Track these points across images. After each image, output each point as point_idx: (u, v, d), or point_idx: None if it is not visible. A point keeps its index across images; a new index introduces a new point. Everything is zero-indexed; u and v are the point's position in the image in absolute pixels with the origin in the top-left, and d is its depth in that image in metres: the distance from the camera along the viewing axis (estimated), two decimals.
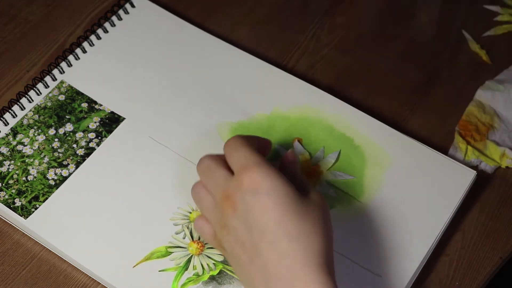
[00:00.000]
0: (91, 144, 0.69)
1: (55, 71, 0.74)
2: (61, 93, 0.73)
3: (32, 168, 0.68)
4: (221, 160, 0.57)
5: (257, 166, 0.54)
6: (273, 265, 0.52)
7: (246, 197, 0.53)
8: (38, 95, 0.72)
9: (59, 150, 0.69)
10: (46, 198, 0.66)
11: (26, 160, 0.68)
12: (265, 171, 0.53)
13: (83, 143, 0.70)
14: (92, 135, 0.70)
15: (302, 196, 0.54)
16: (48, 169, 0.68)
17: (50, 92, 0.73)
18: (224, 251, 0.56)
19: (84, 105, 0.72)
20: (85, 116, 0.71)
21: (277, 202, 0.52)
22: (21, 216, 0.65)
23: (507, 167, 0.72)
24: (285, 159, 0.60)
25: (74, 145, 0.69)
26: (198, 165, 0.58)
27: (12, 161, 0.68)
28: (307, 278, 0.51)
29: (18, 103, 0.71)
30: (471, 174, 0.68)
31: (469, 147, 0.71)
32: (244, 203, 0.53)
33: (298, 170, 0.59)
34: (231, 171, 0.56)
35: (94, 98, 0.72)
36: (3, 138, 0.70)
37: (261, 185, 0.53)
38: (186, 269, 0.63)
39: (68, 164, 0.68)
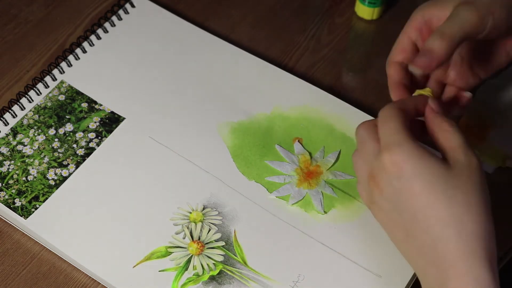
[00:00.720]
0: (91, 144, 0.70)
1: (55, 71, 0.74)
2: (61, 93, 0.73)
3: (32, 168, 0.68)
4: (373, 131, 0.54)
5: (398, 146, 0.51)
6: (428, 249, 0.51)
7: (391, 181, 0.51)
8: (38, 95, 0.72)
9: (59, 150, 0.69)
10: (46, 198, 0.66)
11: (26, 160, 0.68)
12: (406, 152, 0.51)
13: (83, 143, 0.70)
14: (92, 135, 0.70)
15: (450, 169, 0.51)
16: (48, 169, 0.68)
17: (50, 92, 0.73)
18: (374, 211, 0.55)
19: (84, 105, 0.72)
20: (85, 116, 0.71)
21: (423, 185, 0.50)
22: (21, 216, 0.65)
23: (507, 167, 0.72)
24: (428, 113, 0.56)
25: (74, 145, 0.69)
26: (356, 133, 0.56)
27: (12, 161, 0.68)
28: (459, 268, 0.50)
29: (18, 103, 0.71)
30: None
31: None
32: (390, 186, 0.51)
33: (444, 125, 0.54)
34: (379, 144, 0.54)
35: (94, 98, 0.72)
36: (3, 138, 0.70)
37: (404, 168, 0.51)
38: (186, 269, 0.63)
39: (68, 164, 0.68)
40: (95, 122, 0.71)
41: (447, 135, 0.53)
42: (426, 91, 0.60)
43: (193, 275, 0.63)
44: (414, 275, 0.63)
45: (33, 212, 0.65)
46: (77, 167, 0.68)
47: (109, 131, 0.70)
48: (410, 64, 0.60)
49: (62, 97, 0.72)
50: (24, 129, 0.70)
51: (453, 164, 0.52)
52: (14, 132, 0.70)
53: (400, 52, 0.61)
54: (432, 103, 0.55)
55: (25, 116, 0.71)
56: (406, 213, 0.51)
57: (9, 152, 0.69)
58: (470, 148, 0.52)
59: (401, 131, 0.52)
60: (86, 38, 0.76)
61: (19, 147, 0.69)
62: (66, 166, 0.68)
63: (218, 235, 0.65)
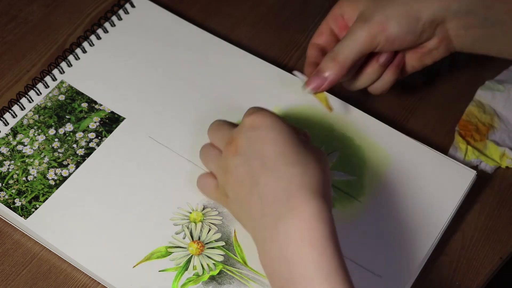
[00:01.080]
0: (91, 144, 0.70)
1: (55, 71, 0.74)
2: (61, 93, 0.73)
3: (32, 168, 0.68)
4: (229, 122, 0.61)
5: (261, 110, 0.57)
6: (269, 188, 0.53)
7: (248, 133, 0.56)
8: (38, 95, 0.72)
9: (59, 150, 0.69)
10: (46, 198, 0.66)
11: (26, 160, 0.68)
12: (267, 112, 0.57)
13: (83, 143, 0.70)
14: (92, 135, 0.70)
15: (303, 140, 0.57)
16: (48, 169, 0.68)
17: (50, 92, 0.73)
18: (227, 199, 0.58)
19: (84, 105, 0.72)
20: (85, 116, 0.71)
21: (278, 135, 0.55)
22: (21, 216, 0.65)
23: (507, 167, 0.72)
24: (300, 133, 0.62)
25: (74, 145, 0.69)
26: (209, 127, 0.62)
27: (12, 161, 0.68)
28: (302, 198, 0.52)
29: (18, 103, 0.71)
30: (471, 174, 0.68)
31: (469, 147, 0.71)
32: (247, 139, 0.56)
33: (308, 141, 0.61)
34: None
35: (94, 98, 0.72)
36: (3, 138, 0.70)
37: (263, 121, 0.56)
38: (186, 269, 0.63)
39: (68, 164, 0.68)
40: (95, 122, 0.71)
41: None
42: (322, 97, 0.68)
43: (193, 275, 0.63)
44: (414, 275, 0.63)
45: (33, 212, 0.65)
46: (77, 167, 0.68)
47: (109, 131, 0.70)
48: (303, 85, 0.67)
49: (62, 97, 0.72)
50: (24, 129, 0.70)
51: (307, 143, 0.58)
52: (14, 132, 0.70)
53: (319, 36, 0.69)
54: (306, 133, 0.62)
55: (25, 116, 0.71)
56: (256, 160, 0.54)
57: (9, 152, 0.69)
58: None
59: (265, 108, 0.58)
60: (86, 38, 0.76)
61: (19, 147, 0.69)
62: (66, 166, 0.68)
63: (218, 235, 0.65)
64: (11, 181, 0.67)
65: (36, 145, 0.69)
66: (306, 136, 0.62)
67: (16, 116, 0.71)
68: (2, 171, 0.68)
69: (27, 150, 0.69)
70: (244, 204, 0.55)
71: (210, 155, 0.60)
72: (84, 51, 0.75)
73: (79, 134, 0.70)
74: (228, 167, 0.56)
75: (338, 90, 0.76)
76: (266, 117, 0.56)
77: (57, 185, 0.67)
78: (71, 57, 0.74)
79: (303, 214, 0.51)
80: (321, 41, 0.69)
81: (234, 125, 0.60)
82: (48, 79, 0.73)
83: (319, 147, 0.59)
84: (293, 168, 0.53)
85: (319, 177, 0.54)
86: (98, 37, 0.76)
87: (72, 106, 0.72)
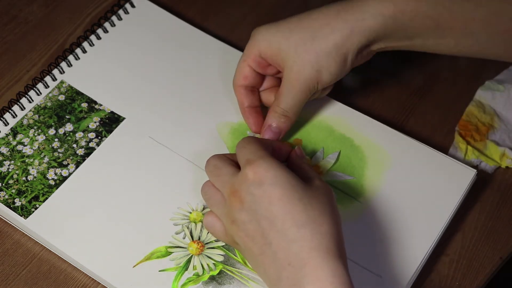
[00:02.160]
0: (91, 144, 0.70)
1: (55, 71, 0.74)
2: (61, 93, 0.73)
3: (32, 168, 0.68)
4: (227, 159, 0.59)
5: (261, 159, 0.56)
6: (282, 252, 0.53)
7: (252, 189, 0.55)
8: (38, 95, 0.72)
9: (59, 150, 0.69)
10: (46, 198, 0.66)
11: (26, 160, 0.68)
12: (268, 163, 0.55)
13: (83, 143, 0.70)
14: (92, 135, 0.70)
15: (306, 184, 0.56)
16: (48, 169, 0.68)
17: (50, 92, 0.73)
18: (237, 245, 0.58)
19: (84, 105, 0.72)
20: (85, 116, 0.71)
21: (282, 192, 0.54)
22: (21, 216, 0.65)
23: (507, 167, 0.72)
24: (293, 153, 0.63)
25: (74, 145, 0.69)
26: (206, 165, 0.60)
27: (12, 161, 0.68)
28: (315, 263, 0.52)
29: (18, 103, 0.71)
30: (471, 174, 0.68)
31: (469, 147, 0.71)
32: (251, 195, 0.55)
33: (304, 163, 0.61)
34: (238, 168, 0.58)
35: (94, 98, 0.72)
36: (3, 138, 0.70)
37: (265, 176, 0.55)
38: (186, 269, 0.63)
39: (68, 164, 0.68)
40: (95, 122, 0.71)
41: (305, 170, 0.60)
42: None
43: (193, 275, 0.63)
44: (414, 275, 0.63)
45: (33, 212, 0.65)
46: (77, 167, 0.68)
47: (109, 131, 0.70)
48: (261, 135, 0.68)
49: (62, 97, 0.72)
50: (24, 129, 0.70)
51: (311, 184, 0.57)
52: (14, 132, 0.70)
53: (243, 79, 0.68)
54: (298, 150, 0.63)
55: (25, 116, 0.71)
56: (264, 220, 0.54)
57: (9, 152, 0.69)
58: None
59: (262, 149, 0.57)
60: (86, 38, 0.76)
61: (19, 147, 0.69)
62: (66, 166, 0.68)
63: None
64: (11, 181, 0.67)
65: (36, 145, 0.69)
66: (300, 151, 0.63)
67: (16, 116, 0.71)
68: (2, 171, 0.68)
69: (27, 150, 0.69)
70: (258, 261, 0.55)
71: (213, 199, 0.59)
72: (84, 51, 0.75)
73: (79, 134, 0.70)
74: (234, 219, 0.56)
75: (337, 90, 0.76)
76: (267, 170, 0.55)
77: (57, 185, 0.67)
78: (71, 57, 0.74)
79: (318, 282, 0.52)
80: (247, 83, 0.68)
81: (233, 165, 0.59)
82: (48, 79, 0.73)
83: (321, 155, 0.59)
84: (303, 229, 0.53)
85: (330, 233, 0.54)
86: (98, 37, 0.76)
87: (72, 106, 0.72)
